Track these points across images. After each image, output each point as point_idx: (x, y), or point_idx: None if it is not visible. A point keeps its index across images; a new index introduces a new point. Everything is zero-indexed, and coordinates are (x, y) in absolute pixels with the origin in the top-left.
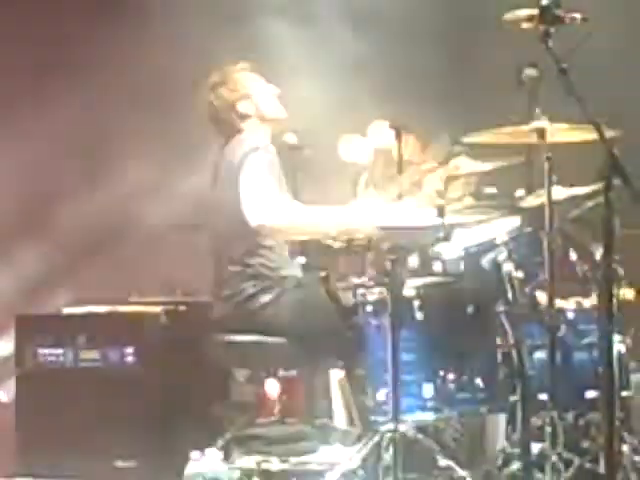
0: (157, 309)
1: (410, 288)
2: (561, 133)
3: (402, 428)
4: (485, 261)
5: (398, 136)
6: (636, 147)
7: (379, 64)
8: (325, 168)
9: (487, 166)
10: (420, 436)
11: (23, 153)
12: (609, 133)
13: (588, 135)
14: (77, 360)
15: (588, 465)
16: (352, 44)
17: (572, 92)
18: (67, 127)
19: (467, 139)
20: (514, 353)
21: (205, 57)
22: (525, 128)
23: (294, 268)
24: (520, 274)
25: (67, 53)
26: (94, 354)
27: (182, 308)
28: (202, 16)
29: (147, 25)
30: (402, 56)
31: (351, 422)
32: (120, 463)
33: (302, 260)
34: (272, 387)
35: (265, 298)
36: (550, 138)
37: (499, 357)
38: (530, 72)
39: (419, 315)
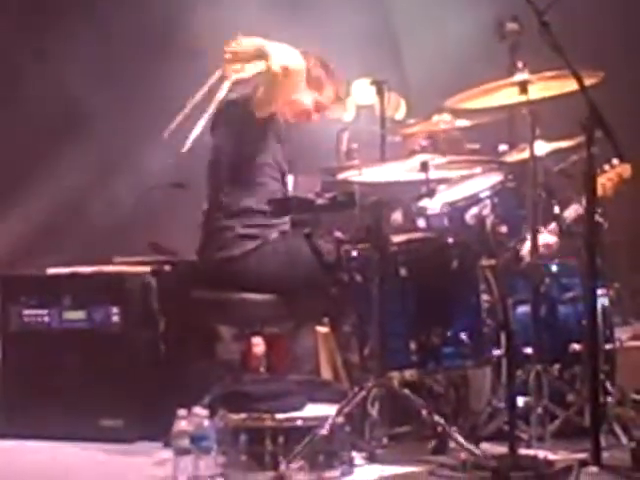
0: (142, 269)
1: (394, 244)
2: (542, 87)
3: (388, 383)
4: (469, 216)
5: (380, 92)
6: (618, 98)
7: (358, 22)
8: (310, 125)
9: (468, 122)
10: (406, 391)
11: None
12: (590, 80)
13: (569, 86)
14: (62, 320)
15: (573, 418)
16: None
17: (554, 45)
18: (47, 85)
19: (452, 101)
20: (498, 307)
21: None
22: (507, 82)
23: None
24: (504, 228)
25: None
26: (79, 314)
27: (167, 267)
28: None
29: None
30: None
31: (337, 378)
32: (106, 422)
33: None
34: (258, 344)
35: (250, 245)
36: (532, 92)
37: (484, 311)
38: (511, 26)
39: (403, 271)
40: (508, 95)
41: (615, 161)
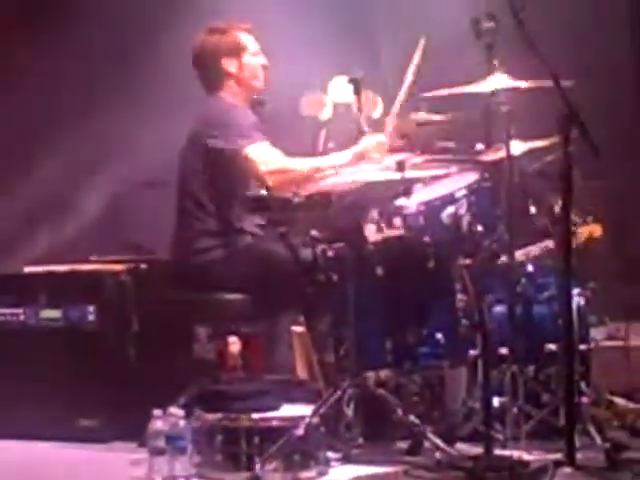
0: (118, 267)
1: (370, 243)
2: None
3: (363, 383)
4: (445, 215)
5: (357, 90)
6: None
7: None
8: (286, 123)
9: (443, 117)
10: (381, 391)
11: None
12: (565, 83)
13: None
14: (38, 319)
15: (548, 418)
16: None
17: (529, 43)
18: (29, 83)
19: (428, 94)
20: (474, 307)
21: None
22: (483, 86)
23: (254, 226)
24: (480, 228)
25: None
26: (55, 313)
27: (143, 266)
28: None
29: None
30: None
31: (312, 378)
32: (82, 421)
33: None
34: (233, 343)
35: (224, 252)
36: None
37: (459, 311)
38: (488, 24)
39: (379, 270)
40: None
41: (589, 219)
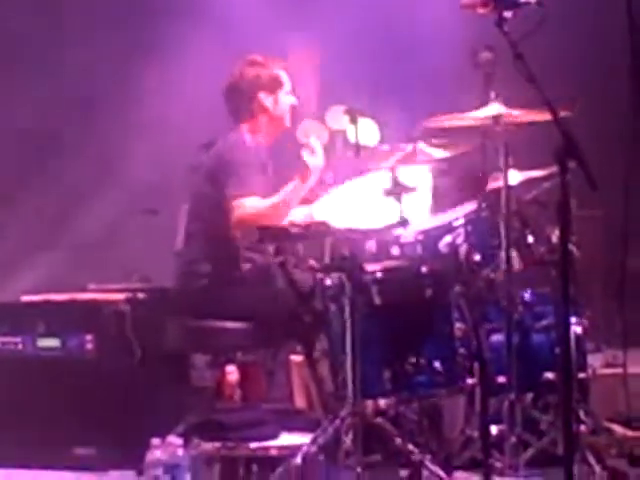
0: (116, 296)
1: (368, 272)
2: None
3: (361, 412)
4: (443, 245)
5: (353, 121)
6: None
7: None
8: (284, 152)
9: (443, 153)
10: (379, 420)
11: None
12: (563, 113)
13: (543, 116)
14: (36, 348)
15: (546, 446)
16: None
17: (528, 76)
18: (26, 114)
19: (426, 124)
20: (472, 336)
21: None
22: (480, 115)
23: (255, 253)
24: (477, 257)
25: None
26: (53, 342)
27: (141, 295)
28: None
29: None
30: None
31: (311, 407)
32: (79, 450)
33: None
34: (231, 372)
35: (224, 278)
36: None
37: (457, 340)
38: (485, 55)
39: (377, 299)
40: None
41: None
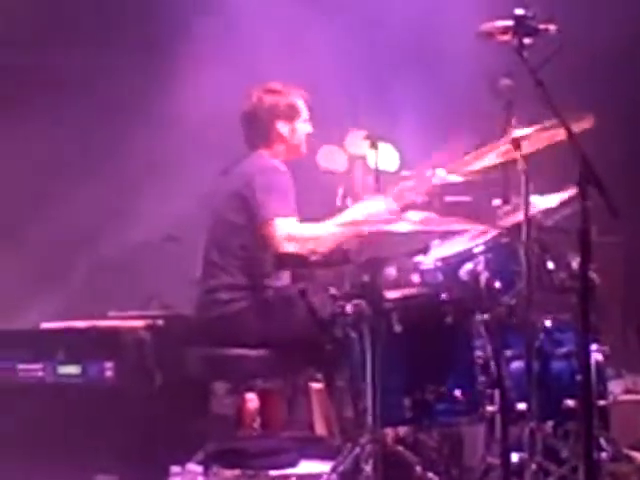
0: (136, 323)
1: (388, 300)
2: (535, 140)
3: (382, 439)
4: (463, 272)
5: (373, 146)
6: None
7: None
8: (306, 178)
9: (461, 178)
10: (400, 448)
11: None
12: (581, 126)
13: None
14: (56, 375)
15: (567, 474)
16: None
17: (549, 103)
18: (38, 141)
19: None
20: (492, 363)
21: None
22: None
23: (277, 280)
24: (498, 284)
25: None
26: (74, 369)
27: (160, 322)
28: None
29: None
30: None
31: (331, 434)
32: (100, 478)
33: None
34: (251, 400)
35: (245, 305)
36: (526, 147)
37: (477, 367)
38: (505, 82)
39: (397, 327)
40: (501, 152)
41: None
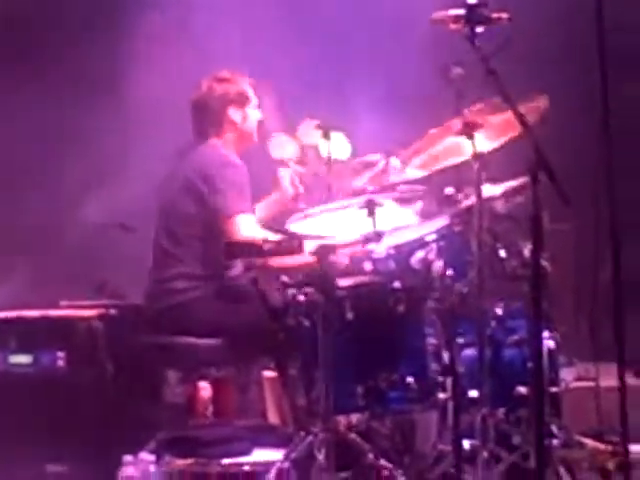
0: (88, 313)
1: (340, 287)
2: (488, 133)
3: (334, 428)
4: (415, 260)
5: (326, 135)
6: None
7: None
8: (256, 166)
9: (419, 173)
10: (352, 435)
11: None
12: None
13: (514, 129)
14: (8, 364)
15: (519, 461)
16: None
17: (500, 91)
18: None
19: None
20: (444, 351)
21: None
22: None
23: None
24: (450, 272)
25: None
26: (25, 358)
27: (113, 311)
28: None
29: None
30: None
31: (284, 422)
32: (51, 467)
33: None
34: (204, 388)
35: (195, 294)
36: (478, 139)
37: (430, 355)
38: (457, 70)
39: (350, 315)
40: (454, 142)
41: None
